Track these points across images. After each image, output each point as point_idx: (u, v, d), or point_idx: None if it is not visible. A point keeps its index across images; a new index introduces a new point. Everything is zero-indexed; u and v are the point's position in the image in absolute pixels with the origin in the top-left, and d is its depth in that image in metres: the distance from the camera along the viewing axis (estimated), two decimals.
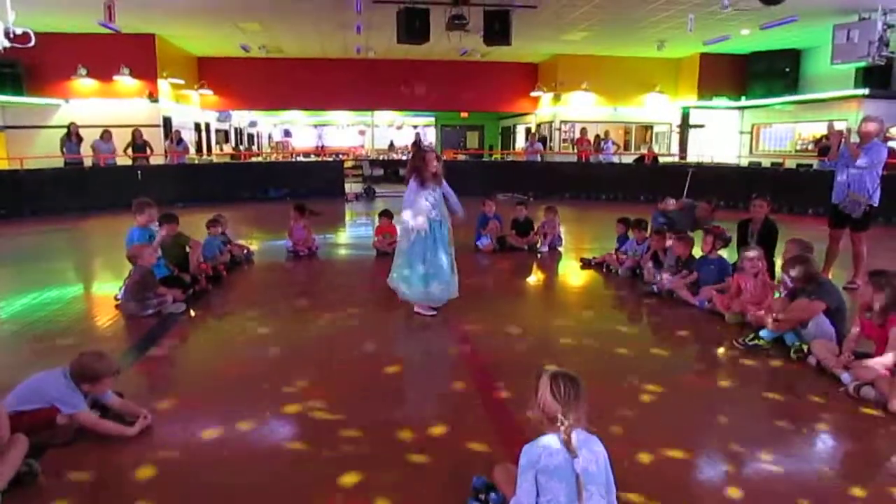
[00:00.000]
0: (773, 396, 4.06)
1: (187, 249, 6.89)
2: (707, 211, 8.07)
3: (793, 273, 4.84)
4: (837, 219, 6.95)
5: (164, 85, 18.11)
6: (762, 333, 4.89)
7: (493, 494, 2.62)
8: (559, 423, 2.30)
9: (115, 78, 17.19)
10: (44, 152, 15.41)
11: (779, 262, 5.64)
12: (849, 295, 5.90)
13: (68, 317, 5.87)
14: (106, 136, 15.11)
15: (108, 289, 6.72)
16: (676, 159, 20.63)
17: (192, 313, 5.88)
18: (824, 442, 3.55)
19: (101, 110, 17.13)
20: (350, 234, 12.14)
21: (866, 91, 15.92)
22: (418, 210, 5.66)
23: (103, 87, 17.37)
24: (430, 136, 31.30)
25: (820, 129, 16.89)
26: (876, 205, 6.72)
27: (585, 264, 8.07)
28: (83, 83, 17.20)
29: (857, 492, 2.91)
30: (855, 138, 6.87)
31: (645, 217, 8.08)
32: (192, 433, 3.45)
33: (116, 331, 5.43)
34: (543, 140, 21.21)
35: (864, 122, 6.76)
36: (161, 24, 16.28)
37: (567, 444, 2.28)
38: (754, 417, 3.77)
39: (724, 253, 6.47)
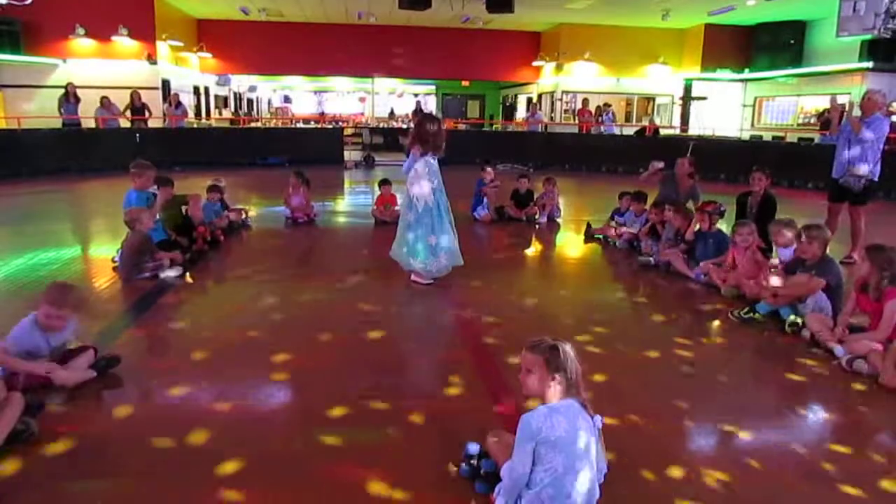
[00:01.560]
0: (767, 369, 4.08)
1: (184, 210, 6.87)
2: (686, 167, 7.52)
3: (813, 243, 4.77)
4: (837, 193, 6.95)
5: (163, 47, 17.91)
6: (758, 307, 4.90)
7: (485, 461, 2.63)
8: (576, 392, 2.36)
9: (114, 38, 17.01)
10: (41, 112, 15.29)
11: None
12: (845, 269, 5.90)
13: (65, 278, 5.85)
14: (105, 102, 14.98)
15: (105, 251, 6.72)
16: (678, 132, 20.51)
17: (189, 278, 5.87)
18: (816, 414, 3.58)
19: (100, 71, 16.99)
20: (349, 202, 12.10)
21: (870, 64, 15.82)
22: (423, 179, 5.57)
23: (101, 48, 17.19)
24: (430, 105, 31.05)
25: (823, 103, 16.78)
26: (876, 179, 6.70)
27: (588, 236, 8.01)
28: (81, 43, 17.01)
29: (848, 464, 2.95)
30: (857, 112, 6.82)
31: (644, 190, 7.99)
32: (184, 395, 3.47)
33: (113, 293, 5.44)
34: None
35: (867, 95, 6.73)
36: None
37: (585, 406, 2.35)
38: (747, 390, 3.79)
39: (722, 226, 6.44)
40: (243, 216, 8.35)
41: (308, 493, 2.64)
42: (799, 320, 4.56)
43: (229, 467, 2.77)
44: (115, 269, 5.94)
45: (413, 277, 5.75)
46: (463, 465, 2.70)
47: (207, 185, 7.99)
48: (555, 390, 2.36)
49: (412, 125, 5.89)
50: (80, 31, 16.75)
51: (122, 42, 17.14)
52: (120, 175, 13.03)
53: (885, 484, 2.76)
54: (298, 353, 4.07)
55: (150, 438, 2.97)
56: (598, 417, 2.36)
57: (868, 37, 14.26)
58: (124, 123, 15.55)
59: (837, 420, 3.47)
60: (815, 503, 2.66)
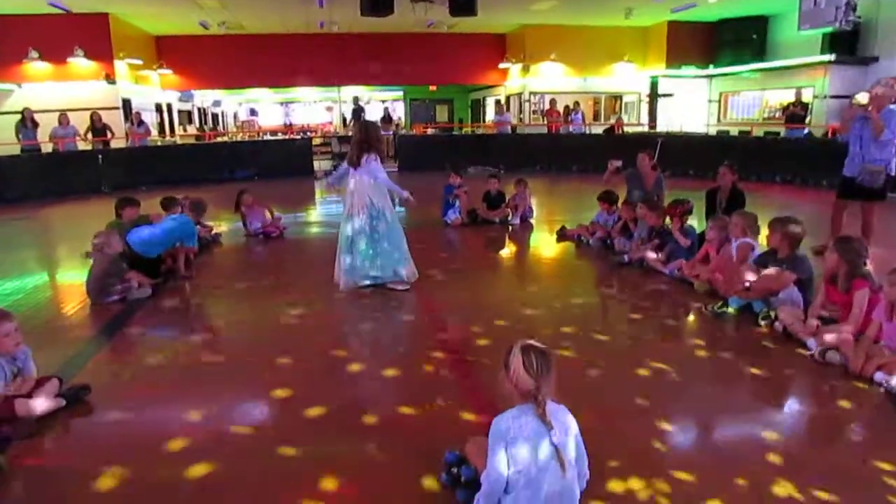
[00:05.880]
0: (740, 362, 4.10)
1: None
2: (647, 162, 7.60)
3: (780, 232, 4.80)
4: (850, 190, 6.72)
5: (121, 66, 17.63)
6: (731, 301, 4.93)
7: (464, 468, 2.61)
8: (532, 397, 2.30)
9: (70, 60, 16.67)
10: None
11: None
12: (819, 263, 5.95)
13: (30, 306, 5.69)
14: (63, 120, 14.66)
15: (71, 277, 6.56)
16: (646, 129, 20.71)
17: (158, 298, 5.72)
18: (790, 406, 3.60)
19: (57, 94, 16.66)
20: (321, 213, 11.99)
21: (832, 57, 16.05)
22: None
23: (58, 70, 16.86)
24: (399, 111, 31.01)
25: (787, 97, 17.06)
26: (893, 174, 6.55)
27: (561, 236, 8.04)
28: (36, 66, 16.66)
29: (821, 455, 2.96)
30: (863, 99, 6.56)
31: (615, 190, 8.01)
32: (155, 420, 3.39)
33: (81, 319, 5.29)
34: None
35: (876, 88, 6.45)
36: (114, 1, 15.81)
37: (542, 417, 2.28)
38: (721, 384, 3.80)
39: (693, 222, 6.50)
40: (212, 233, 8.21)
41: None
42: (771, 314, 4.60)
43: (203, 490, 2.70)
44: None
45: (389, 284, 5.71)
46: (443, 473, 2.68)
47: (161, 199, 7.67)
48: (513, 391, 2.33)
49: (360, 133, 5.78)
50: (34, 54, 16.40)
51: (79, 63, 16.81)
52: (84, 199, 12.88)
53: (857, 473, 2.78)
54: (270, 370, 3.99)
55: (122, 467, 2.88)
56: (554, 431, 2.28)
57: (829, 30, 14.53)
58: (85, 145, 15.23)
59: (812, 412, 3.50)
60: (789, 497, 2.66)
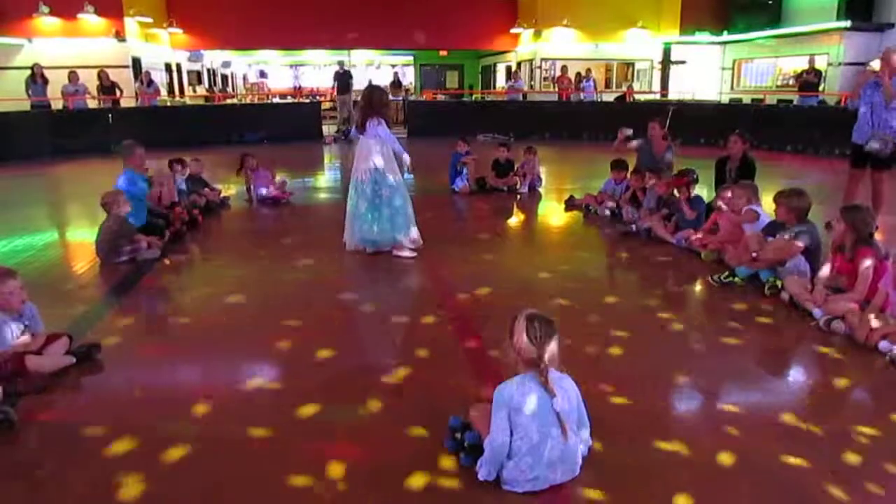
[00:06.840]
0: (746, 332, 4.11)
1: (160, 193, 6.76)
2: (657, 130, 7.48)
3: (784, 206, 4.78)
4: (861, 158, 6.59)
5: (131, 24, 17.47)
6: (738, 271, 4.92)
7: (468, 433, 2.64)
8: (535, 365, 2.34)
9: (80, 16, 16.55)
10: (9, 94, 14.91)
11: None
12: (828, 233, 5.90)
13: (42, 263, 5.76)
14: (73, 77, 14.61)
15: (81, 235, 6.61)
16: (658, 97, 20.45)
17: (167, 261, 5.77)
18: (794, 375, 3.63)
19: (67, 50, 16.61)
20: (329, 178, 11.97)
21: (848, 23, 15.75)
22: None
23: (68, 26, 16.78)
24: (409, 76, 30.69)
25: (801, 64, 16.77)
26: None
27: (569, 205, 8.01)
28: (46, 22, 16.55)
29: (826, 425, 2.98)
30: (876, 65, 6.38)
31: (624, 158, 7.94)
32: (165, 379, 3.46)
33: (91, 278, 5.35)
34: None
35: (887, 54, 6.29)
36: None
37: (545, 385, 2.33)
38: (726, 352, 3.82)
39: (703, 192, 6.45)
40: (220, 196, 8.22)
41: (296, 469, 2.62)
42: (778, 283, 4.60)
43: (212, 447, 2.76)
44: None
45: (395, 252, 5.72)
46: (447, 439, 2.71)
47: (169, 160, 7.74)
48: (516, 359, 2.38)
49: (364, 98, 5.80)
50: (44, 9, 16.28)
51: (89, 20, 16.70)
52: (93, 157, 12.89)
53: (862, 439, 2.81)
54: (279, 332, 4.02)
55: (132, 424, 2.93)
56: (556, 398, 2.33)
57: None
58: (95, 103, 15.20)
59: (816, 380, 3.52)
60: (794, 463, 2.68)
